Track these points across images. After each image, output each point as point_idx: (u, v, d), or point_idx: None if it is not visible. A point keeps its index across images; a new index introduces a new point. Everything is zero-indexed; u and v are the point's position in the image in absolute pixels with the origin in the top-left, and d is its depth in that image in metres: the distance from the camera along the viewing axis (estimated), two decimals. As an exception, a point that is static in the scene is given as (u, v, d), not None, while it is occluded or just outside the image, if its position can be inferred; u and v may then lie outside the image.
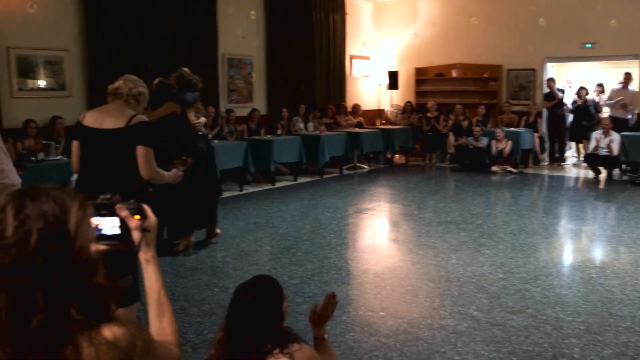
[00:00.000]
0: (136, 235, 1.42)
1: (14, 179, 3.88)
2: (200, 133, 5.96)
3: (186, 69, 5.96)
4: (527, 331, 3.99)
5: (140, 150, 3.36)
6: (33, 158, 6.94)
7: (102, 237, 1.36)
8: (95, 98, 8.48)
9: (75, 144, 3.53)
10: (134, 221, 1.42)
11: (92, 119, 3.46)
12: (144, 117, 3.48)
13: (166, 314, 1.49)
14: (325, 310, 2.52)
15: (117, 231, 1.40)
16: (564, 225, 7.36)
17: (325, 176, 10.83)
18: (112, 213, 1.39)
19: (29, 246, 1.12)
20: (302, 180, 10.42)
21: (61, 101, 8.16)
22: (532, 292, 4.75)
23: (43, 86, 8.11)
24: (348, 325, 4.13)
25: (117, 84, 3.56)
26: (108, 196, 1.40)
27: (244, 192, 9.16)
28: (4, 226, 1.14)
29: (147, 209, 1.46)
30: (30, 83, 7.99)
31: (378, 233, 7.27)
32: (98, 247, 1.33)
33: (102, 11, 8.41)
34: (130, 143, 3.35)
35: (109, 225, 1.38)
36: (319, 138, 10.52)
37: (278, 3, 11.42)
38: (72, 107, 8.21)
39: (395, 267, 5.53)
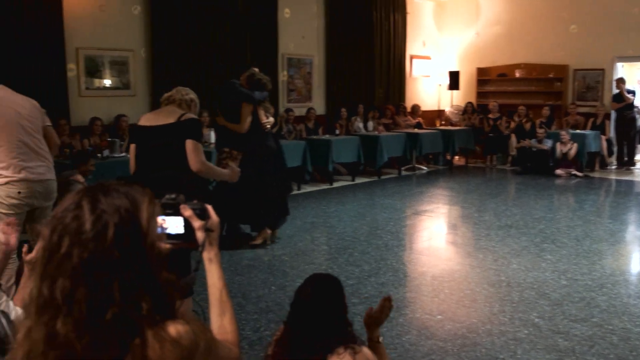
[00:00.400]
0: (200, 235, 1.44)
1: (40, 174, 4.00)
2: (268, 131, 6.11)
3: (256, 69, 6.08)
4: (592, 341, 3.85)
5: (189, 143, 3.51)
6: (99, 155, 7.18)
7: (167, 236, 1.38)
8: (159, 97, 8.72)
9: (132, 147, 3.72)
10: (198, 221, 1.43)
11: (147, 120, 3.68)
12: (194, 116, 3.66)
13: (227, 313, 1.51)
14: (381, 314, 2.50)
15: (181, 230, 1.42)
16: (632, 231, 7.07)
17: (383, 177, 10.77)
18: (176, 212, 1.41)
19: (107, 240, 1.14)
20: (359, 180, 10.40)
21: (126, 100, 8.43)
22: (597, 301, 4.58)
23: (108, 85, 8.39)
24: (404, 327, 4.09)
25: (170, 93, 3.78)
26: (173, 196, 1.43)
27: (302, 191, 9.21)
28: (81, 221, 1.15)
29: (210, 209, 1.48)
30: (97, 82, 8.28)
31: (436, 235, 7.17)
32: (163, 245, 1.35)
33: (167, 12, 8.63)
34: (180, 137, 3.50)
35: (174, 225, 1.41)
36: (377, 138, 10.47)
37: (339, 2, 11.43)
38: (136, 106, 8.48)
39: (454, 271, 5.44)
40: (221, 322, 1.50)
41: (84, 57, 8.04)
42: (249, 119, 5.79)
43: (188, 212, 1.43)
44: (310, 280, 2.28)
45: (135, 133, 3.73)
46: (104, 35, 8.20)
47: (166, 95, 3.81)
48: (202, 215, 1.45)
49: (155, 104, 8.73)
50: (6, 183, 3.91)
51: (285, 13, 10.54)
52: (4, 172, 3.92)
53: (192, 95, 3.84)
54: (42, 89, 7.39)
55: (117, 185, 1.23)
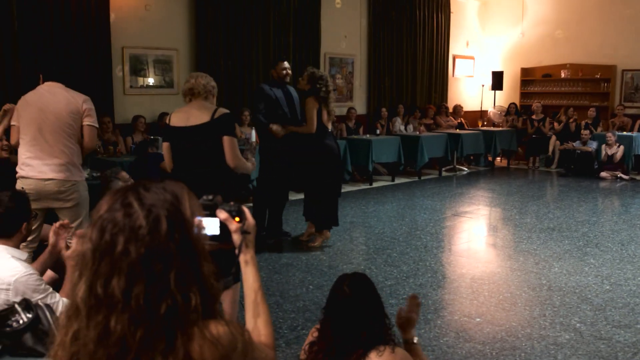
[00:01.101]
0: (236, 237, 1.44)
1: (40, 172, 3.96)
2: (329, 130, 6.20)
3: (315, 69, 6.12)
4: (636, 348, 3.78)
5: (226, 140, 3.57)
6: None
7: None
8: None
9: (166, 145, 3.77)
10: (234, 223, 1.44)
11: (178, 119, 3.68)
12: (225, 110, 3.68)
13: (262, 315, 1.51)
14: (410, 313, 2.47)
15: (217, 232, 1.42)
16: (681, 237, 6.88)
17: (423, 177, 10.72)
18: (213, 214, 1.42)
19: (161, 233, 1.16)
20: (399, 180, 10.37)
21: (169, 98, 8.58)
22: (641, 307, 4.49)
23: (152, 84, 8.56)
24: (443, 329, 4.08)
25: (190, 83, 3.73)
26: (211, 197, 1.43)
27: (342, 190, 9.22)
28: (134, 217, 1.16)
29: (247, 212, 1.48)
30: (141, 81, 8.46)
31: (476, 237, 7.11)
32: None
33: (211, 12, 8.76)
34: (216, 135, 3.56)
35: (210, 226, 1.41)
36: (418, 139, 10.43)
37: (382, 1, 11.42)
38: (180, 104, 8.43)
39: (494, 273, 5.39)
40: (255, 324, 1.50)
41: (129, 56, 8.23)
42: (314, 117, 5.80)
43: (224, 214, 1.43)
44: (343, 279, 2.27)
45: (169, 133, 3.73)
46: (149, 34, 8.37)
47: (187, 87, 3.76)
48: (239, 217, 1.45)
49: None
50: (17, 179, 4.05)
51: (336, 4, 10.54)
52: (17, 168, 4.09)
53: (212, 80, 3.85)
54: (88, 87, 7.59)
55: (155, 182, 1.24)
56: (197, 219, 1.33)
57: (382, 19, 11.49)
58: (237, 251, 1.47)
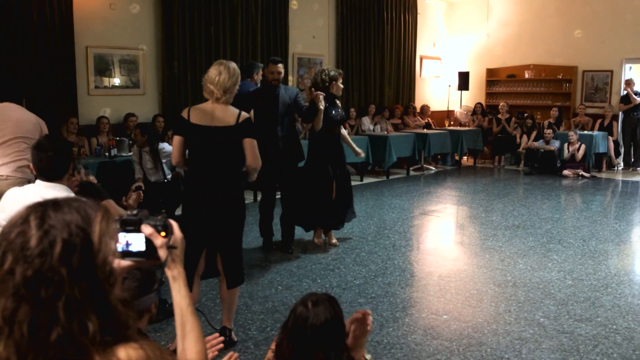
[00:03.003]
0: (162, 253, 1.38)
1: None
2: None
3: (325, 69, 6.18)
4: (596, 340, 3.90)
5: (248, 142, 3.63)
6: (107, 154, 7.27)
7: (128, 254, 1.35)
8: (169, 96, 8.84)
9: (179, 139, 3.65)
10: (160, 238, 1.39)
11: (200, 117, 3.61)
12: (248, 115, 3.70)
13: (191, 333, 1.46)
14: (355, 334, 2.29)
15: (143, 248, 1.37)
16: (638, 232, 7.10)
17: (391, 177, 10.83)
18: (138, 229, 1.37)
19: (53, 257, 1.09)
20: (368, 180, 10.45)
21: (135, 99, 8.50)
22: (602, 301, 4.62)
23: (118, 84, 8.47)
24: (411, 327, 4.15)
25: (210, 87, 3.57)
26: (135, 212, 1.38)
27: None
28: (27, 237, 1.10)
29: (175, 225, 1.43)
30: (106, 81, 8.35)
31: (443, 235, 7.22)
32: (124, 263, 1.33)
33: (177, 11, 8.70)
34: (239, 138, 3.61)
35: (135, 242, 1.37)
36: (386, 138, 10.52)
37: (349, 2, 11.49)
38: (145, 105, 8.57)
39: (460, 271, 5.49)
40: (183, 345, 1.45)
41: (94, 56, 8.12)
42: (321, 115, 5.74)
43: (149, 229, 1.37)
44: (307, 300, 2.14)
45: (187, 128, 3.62)
46: (114, 33, 8.27)
47: (208, 90, 3.59)
48: (165, 231, 1.40)
49: (165, 103, 8.84)
50: None
51: (292, 5, 10.56)
52: None
53: (230, 79, 3.59)
54: (51, 88, 7.54)
55: (71, 201, 1.18)
56: (122, 235, 1.30)
57: (350, 19, 11.57)
58: (162, 267, 1.40)
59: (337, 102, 6.13)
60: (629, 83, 11.71)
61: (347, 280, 5.15)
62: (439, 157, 12.51)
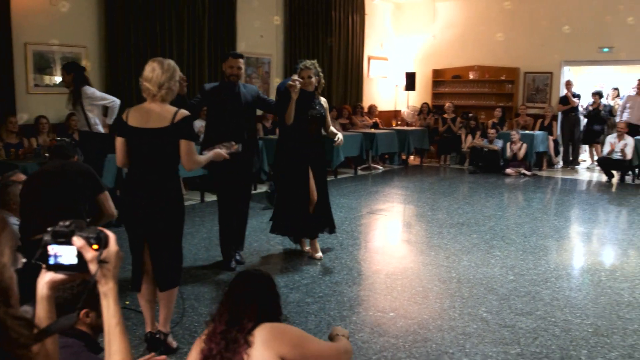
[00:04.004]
0: (92, 267, 1.32)
1: None
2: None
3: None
4: (536, 333, 4.03)
5: (183, 144, 3.50)
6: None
7: (60, 267, 1.31)
8: (113, 95, 8.64)
9: (120, 140, 3.60)
10: (91, 251, 1.33)
11: (136, 119, 3.54)
12: (186, 112, 3.54)
13: (114, 356, 1.40)
14: None
15: (74, 261, 1.31)
16: (576, 228, 7.37)
17: (339, 176, 10.90)
18: (69, 241, 1.32)
19: None
20: (316, 180, 10.46)
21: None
22: (541, 295, 4.78)
23: (59, 82, 8.22)
24: (358, 325, 4.18)
25: (145, 85, 3.52)
26: (67, 223, 1.32)
27: (258, 191, 9.24)
28: None
29: (111, 238, 1.38)
30: (47, 79, 8.09)
31: (390, 234, 7.32)
32: (57, 276, 1.29)
33: (121, 8, 8.52)
34: (174, 139, 3.49)
35: (67, 254, 1.31)
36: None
37: (298, 2, 11.50)
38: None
39: (407, 268, 5.58)
40: None
41: (33, 53, 7.85)
42: (293, 106, 5.26)
43: (80, 242, 1.32)
44: (241, 277, 2.36)
45: (125, 130, 3.57)
46: (55, 30, 8.01)
47: (144, 87, 3.52)
48: (98, 244, 1.34)
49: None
50: None
51: (241, 22, 10.54)
52: None
53: (168, 79, 3.50)
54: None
55: None
56: (53, 247, 1.25)
57: (298, 19, 11.58)
58: (91, 281, 1.34)
59: (320, 98, 5.68)
60: (569, 85, 12.15)
61: (294, 280, 5.15)
62: (386, 156, 12.66)
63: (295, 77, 5.20)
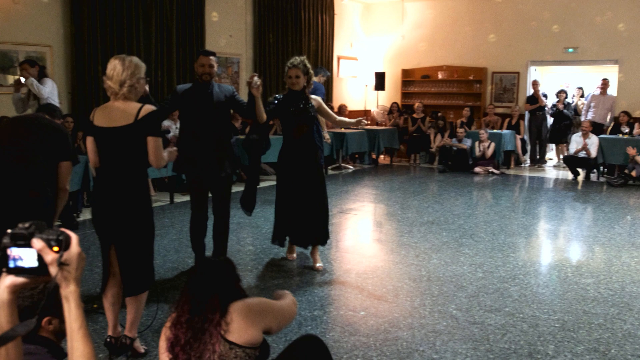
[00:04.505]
0: (52, 270, 1.29)
1: None
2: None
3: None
4: (505, 329, 4.08)
5: (150, 141, 3.42)
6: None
7: (20, 270, 1.27)
8: (79, 95, 8.51)
9: (89, 140, 3.57)
10: (51, 254, 1.29)
11: (101, 118, 3.47)
12: (151, 107, 3.45)
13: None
14: None
15: (35, 264, 1.28)
16: (543, 225, 7.48)
17: (310, 176, 10.86)
18: (29, 243, 1.28)
19: None
20: (287, 180, 10.44)
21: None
22: (510, 291, 4.84)
23: (23, 82, 8.04)
24: (329, 325, 4.19)
25: (107, 84, 3.46)
26: (26, 225, 1.29)
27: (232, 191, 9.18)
28: None
29: (73, 240, 1.34)
30: (11, 79, 7.91)
31: (361, 233, 7.34)
32: (16, 280, 1.26)
33: (87, 6, 8.40)
34: (140, 137, 3.41)
35: (27, 257, 1.28)
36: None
37: (267, 2, 11.47)
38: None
39: (377, 267, 5.60)
40: None
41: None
42: (259, 104, 4.89)
43: (39, 244, 1.28)
44: (202, 266, 2.50)
45: (91, 130, 3.52)
46: (18, 29, 7.85)
47: (106, 86, 3.46)
48: (58, 246, 1.30)
49: (75, 102, 8.50)
50: None
51: (212, 17, 10.48)
52: None
53: (129, 77, 3.42)
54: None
55: None
56: (12, 249, 1.22)
57: (268, 18, 11.55)
58: (51, 285, 1.30)
59: (312, 97, 5.34)
60: (536, 84, 12.36)
61: (265, 280, 5.14)
62: (356, 156, 12.71)
63: (255, 75, 4.75)
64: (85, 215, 7.49)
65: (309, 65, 5.27)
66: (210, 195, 5.17)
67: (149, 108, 3.42)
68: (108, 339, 3.64)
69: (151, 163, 3.50)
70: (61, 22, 8.34)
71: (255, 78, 4.69)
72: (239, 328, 2.28)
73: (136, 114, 3.37)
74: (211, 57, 5.01)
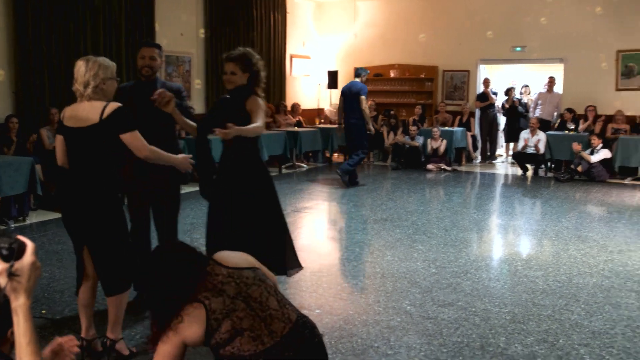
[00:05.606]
0: (1, 280, 1.24)
1: None
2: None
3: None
4: (457, 323, 4.13)
5: (125, 137, 3.33)
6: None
7: None
8: (24, 95, 8.23)
9: (59, 138, 3.51)
10: (1, 264, 1.24)
11: (69, 118, 3.40)
12: (116, 105, 3.34)
13: None
14: None
15: None
16: (494, 220, 7.64)
17: (264, 175, 10.82)
18: None
19: None
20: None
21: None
22: (462, 286, 4.91)
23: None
24: (284, 322, 4.16)
25: (74, 86, 3.39)
26: None
27: (182, 191, 9.03)
28: None
29: (28, 249, 1.28)
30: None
31: (315, 231, 7.34)
32: None
33: (32, 7, 8.13)
34: (110, 135, 3.32)
35: None
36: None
37: (218, 0, 11.35)
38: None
39: (332, 265, 5.61)
40: None
41: None
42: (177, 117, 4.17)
43: None
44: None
45: (61, 129, 3.47)
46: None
47: (75, 87, 3.37)
48: (9, 256, 1.24)
49: (20, 103, 8.23)
50: None
51: (162, 15, 10.30)
52: None
53: (94, 77, 3.32)
54: None
55: None
56: None
57: (219, 17, 11.43)
58: (2, 295, 1.26)
59: (253, 98, 4.18)
60: (487, 82, 12.62)
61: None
62: (310, 154, 12.71)
63: (158, 91, 3.98)
64: (32, 218, 7.27)
65: (255, 59, 4.25)
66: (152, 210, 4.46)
67: (113, 106, 3.33)
68: (82, 342, 3.54)
69: (138, 156, 3.41)
70: (3, 19, 8.05)
71: (158, 94, 3.92)
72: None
73: (101, 113, 3.30)
74: (154, 49, 4.37)
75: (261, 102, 4.19)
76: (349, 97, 9.62)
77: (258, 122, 4.03)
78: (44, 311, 4.19)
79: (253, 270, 2.54)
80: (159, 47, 4.45)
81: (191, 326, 2.29)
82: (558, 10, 12.00)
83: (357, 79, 9.78)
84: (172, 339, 2.28)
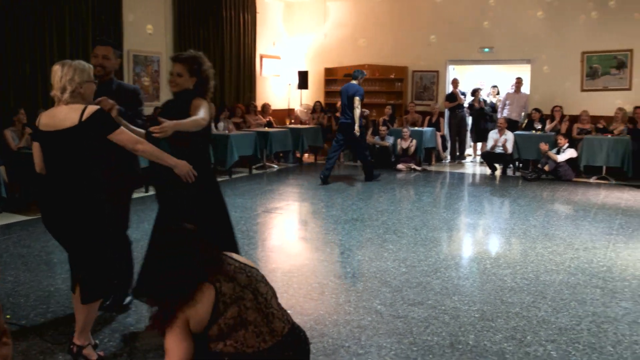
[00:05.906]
0: None
1: None
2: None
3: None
4: (427, 322, 4.16)
5: (113, 137, 3.28)
6: None
7: None
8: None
9: (35, 145, 3.45)
10: None
11: (46, 122, 3.33)
12: (94, 107, 3.30)
13: None
14: None
15: None
16: (463, 219, 7.71)
17: (233, 176, 10.78)
18: None
19: None
20: (211, 180, 10.28)
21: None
22: (432, 284, 4.95)
23: None
24: (254, 324, 4.13)
25: (52, 91, 3.34)
26: None
27: (150, 193, 8.95)
28: None
29: None
30: None
31: (286, 232, 7.32)
32: None
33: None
34: (90, 138, 3.27)
35: None
36: (227, 137, 10.45)
37: (188, 0, 11.25)
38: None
39: (303, 265, 5.60)
40: None
41: None
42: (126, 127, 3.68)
43: None
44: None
45: (37, 134, 3.40)
46: None
47: (53, 92, 3.33)
48: None
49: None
50: None
51: (148, 29, 10.20)
52: None
53: (70, 80, 3.29)
54: None
55: None
56: None
57: (188, 16, 11.33)
58: None
59: (197, 101, 3.85)
60: (455, 83, 12.74)
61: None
62: (280, 155, 12.68)
63: (101, 100, 3.65)
64: (-5, 221, 7.11)
65: (205, 65, 3.99)
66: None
67: (92, 108, 3.29)
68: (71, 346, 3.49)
69: (131, 151, 3.36)
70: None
71: (98, 102, 3.58)
72: None
73: (80, 115, 3.25)
74: (109, 47, 4.19)
75: (208, 102, 3.93)
76: (345, 98, 10.05)
77: (199, 114, 3.69)
78: (8, 316, 4.09)
79: (258, 271, 2.77)
80: (114, 45, 4.27)
81: (198, 304, 2.45)
82: (526, 11, 12.18)
83: (354, 82, 10.10)
84: (179, 318, 2.46)
